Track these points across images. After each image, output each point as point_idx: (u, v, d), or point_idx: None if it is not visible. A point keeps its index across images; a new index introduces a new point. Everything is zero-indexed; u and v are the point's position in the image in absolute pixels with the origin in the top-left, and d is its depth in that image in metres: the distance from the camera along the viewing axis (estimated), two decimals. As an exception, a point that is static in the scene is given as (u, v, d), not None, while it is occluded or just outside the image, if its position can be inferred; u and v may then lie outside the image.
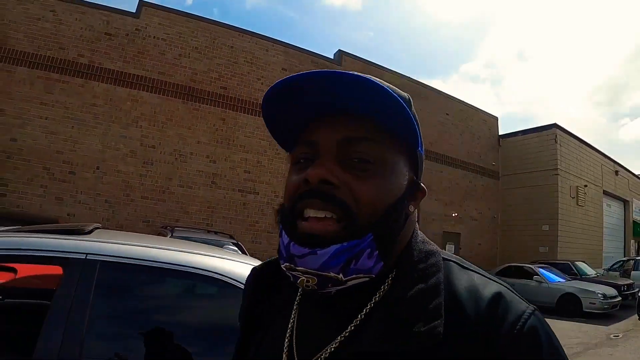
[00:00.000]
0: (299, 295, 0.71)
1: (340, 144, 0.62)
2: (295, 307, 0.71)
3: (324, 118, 0.64)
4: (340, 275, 0.59)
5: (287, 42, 12.84)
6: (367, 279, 0.60)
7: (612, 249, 21.23)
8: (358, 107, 0.61)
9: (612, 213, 21.64)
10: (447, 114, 16.83)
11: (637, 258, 17.83)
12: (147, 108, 11.16)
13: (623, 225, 22.95)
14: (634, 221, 23.41)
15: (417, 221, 0.70)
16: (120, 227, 10.18)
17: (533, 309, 0.59)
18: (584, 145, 19.27)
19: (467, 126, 17.57)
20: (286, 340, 0.67)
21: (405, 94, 0.68)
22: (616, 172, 21.77)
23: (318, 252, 0.58)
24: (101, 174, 10.55)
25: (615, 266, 17.72)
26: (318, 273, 0.59)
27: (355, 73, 0.58)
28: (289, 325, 0.69)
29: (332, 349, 0.60)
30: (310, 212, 0.60)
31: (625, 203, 23.16)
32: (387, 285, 0.62)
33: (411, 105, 0.67)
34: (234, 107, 12.08)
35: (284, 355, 0.65)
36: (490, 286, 0.60)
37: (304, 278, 0.60)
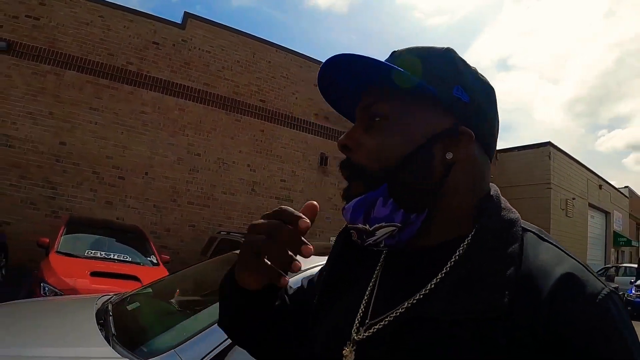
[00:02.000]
0: (384, 255, 0.75)
1: (362, 110, 0.69)
2: (379, 266, 0.74)
3: (362, 96, 0.71)
4: (367, 226, 0.64)
5: (318, 60, 13.47)
6: (392, 227, 0.63)
7: (595, 257, 23.25)
8: (374, 77, 0.67)
9: (595, 224, 23.59)
10: None
11: (620, 265, 20.84)
12: (193, 117, 11.40)
13: (604, 235, 25.05)
14: (614, 232, 25.63)
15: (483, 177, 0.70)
16: (167, 231, 10.41)
17: (610, 290, 0.56)
18: (572, 161, 21.06)
19: None
20: (365, 298, 0.70)
21: (442, 47, 0.70)
22: (600, 186, 23.77)
23: (346, 206, 0.66)
24: (150, 179, 10.68)
25: (600, 272, 19.66)
26: (353, 226, 0.66)
27: (356, 54, 0.64)
28: (372, 282, 0.72)
29: (401, 311, 0.61)
30: (344, 177, 0.69)
31: (607, 215, 25.23)
32: (461, 251, 0.62)
33: (444, 54, 0.69)
34: (272, 120, 12.52)
35: (360, 310, 0.69)
36: (565, 262, 0.57)
37: (352, 232, 0.68)
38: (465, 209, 0.65)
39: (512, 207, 0.68)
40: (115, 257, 6.72)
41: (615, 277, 18.15)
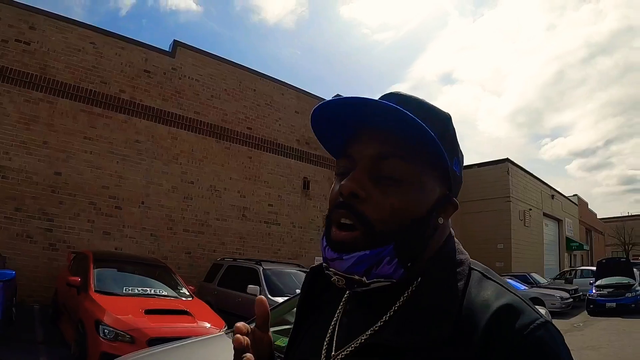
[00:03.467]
0: (347, 294, 0.79)
1: (373, 159, 0.67)
2: (342, 302, 0.78)
3: (362, 133, 0.70)
4: (364, 279, 0.66)
5: (298, 87, 14.00)
6: (388, 282, 0.66)
7: (551, 262, 25.28)
8: (389, 126, 0.66)
9: (549, 231, 25.61)
10: None
11: (577, 268, 22.85)
12: (185, 146, 11.59)
13: (558, 241, 27.19)
14: (566, 237, 27.85)
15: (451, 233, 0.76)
16: (164, 259, 10.50)
17: (544, 321, 0.59)
18: (528, 175, 22.98)
19: None
20: (329, 330, 0.75)
21: (446, 112, 0.74)
22: (552, 196, 25.85)
23: (344, 257, 0.65)
24: (146, 208, 10.75)
25: (558, 275, 21.98)
26: (345, 275, 0.66)
27: (380, 100, 0.65)
28: (334, 318, 0.77)
29: (362, 341, 0.66)
30: (339, 219, 0.67)
31: (559, 222, 27.42)
32: (413, 288, 0.67)
33: (449, 123, 0.73)
34: (258, 147, 12.93)
35: (325, 343, 0.73)
36: (503, 297, 0.61)
37: (335, 278, 0.68)
38: (428, 257, 0.69)
39: (463, 250, 0.73)
40: (153, 293, 6.90)
41: (574, 280, 20.34)
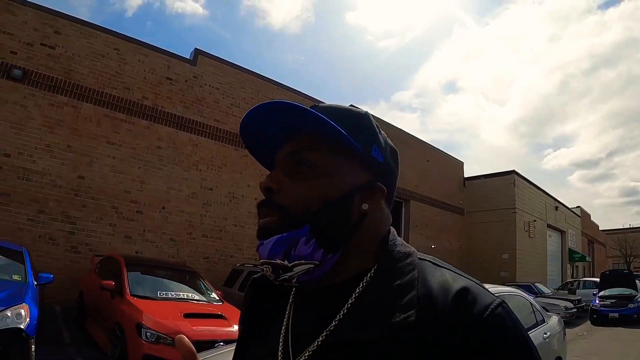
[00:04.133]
0: (292, 296, 0.78)
1: (286, 156, 0.72)
2: (289, 308, 0.77)
3: (285, 142, 0.74)
4: (285, 262, 0.67)
5: (313, 97, 14.17)
6: (311, 265, 0.67)
7: (553, 273, 25.51)
8: (302, 125, 0.70)
9: (552, 242, 25.87)
10: (428, 161, 19.25)
11: (581, 279, 23.48)
12: (205, 153, 11.76)
13: (560, 252, 27.42)
14: (569, 249, 28.11)
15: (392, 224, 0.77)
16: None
17: (500, 301, 0.63)
18: (533, 187, 23.29)
19: (441, 170, 20.01)
20: (281, 337, 0.73)
21: (363, 110, 0.78)
22: (556, 208, 26.12)
23: (264, 242, 0.68)
24: (166, 213, 10.87)
25: (561, 286, 22.35)
26: (269, 261, 0.68)
27: (284, 101, 0.67)
28: (284, 324, 0.75)
29: (320, 341, 0.65)
30: (262, 216, 0.71)
31: (562, 233, 27.67)
32: (366, 282, 0.67)
33: (364, 117, 0.76)
34: (274, 155, 13.11)
35: (280, 351, 0.71)
36: (459, 280, 0.65)
37: (264, 268, 0.70)
38: (370, 249, 0.71)
39: (407, 244, 0.75)
40: (186, 297, 7.01)
41: (577, 290, 20.68)
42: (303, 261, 0.67)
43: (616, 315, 15.64)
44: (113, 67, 10.72)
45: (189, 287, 7.48)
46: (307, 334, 0.68)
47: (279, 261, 0.67)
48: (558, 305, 15.20)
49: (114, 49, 10.81)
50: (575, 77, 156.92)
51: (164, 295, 6.80)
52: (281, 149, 0.74)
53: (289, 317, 0.76)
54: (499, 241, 20.43)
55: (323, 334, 0.66)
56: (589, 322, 16.20)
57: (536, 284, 18.45)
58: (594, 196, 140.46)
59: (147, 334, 5.59)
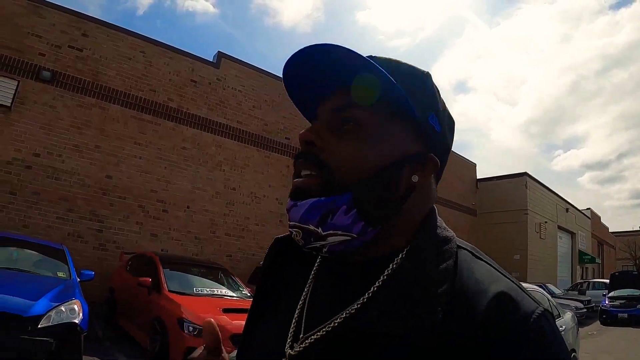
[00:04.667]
0: (316, 266, 0.73)
1: (333, 111, 0.65)
2: (311, 278, 0.72)
3: (329, 95, 0.67)
4: (320, 230, 0.61)
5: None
6: (347, 237, 0.61)
7: (563, 274, 25.66)
8: (350, 78, 0.63)
9: (563, 244, 25.99)
10: None
11: (590, 280, 24.10)
12: (228, 153, 11.99)
13: (570, 254, 27.55)
14: (579, 250, 28.25)
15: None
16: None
17: (543, 309, 0.56)
18: (544, 189, 23.47)
19: (455, 171, 20.13)
20: (297, 310, 0.68)
21: (424, 70, 0.69)
22: (567, 210, 26.27)
23: (298, 204, 0.62)
24: (191, 212, 11.09)
25: (571, 287, 22.70)
26: (300, 225, 0.62)
27: (340, 45, 0.59)
28: (303, 296, 0.70)
29: (335, 324, 0.60)
30: (300, 171, 0.64)
31: (573, 235, 27.80)
32: (396, 264, 0.61)
33: (425, 79, 0.68)
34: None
35: (292, 326, 0.66)
36: (499, 282, 0.58)
37: (294, 232, 0.64)
38: (410, 227, 0.65)
39: (447, 227, 0.69)
40: (220, 293, 7.19)
41: (587, 291, 21.09)
42: (340, 232, 0.61)
43: (625, 315, 16.14)
44: (139, 69, 10.94)
45: (222, 283, 7.67)
46: (325, 312, 0.63)
47: (312, 227, 0.61)
48: (569, 305, 15.47)
49: (140, 52, 11.03)
50: (586, 77, 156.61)
51: (200, 292, 6.99)
52: (326, 101, 0.67)
53: (309, 289, 0.71)
54: (511, 242, 20.62)
55: (342, 316, 0.60)
56: (598, 322, 16.65)
57: (547, 285, 18.62)
58: (604, 198, 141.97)
59: (190, 327, 5.79)
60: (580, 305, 16.03)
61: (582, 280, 25.64)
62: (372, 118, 0.63)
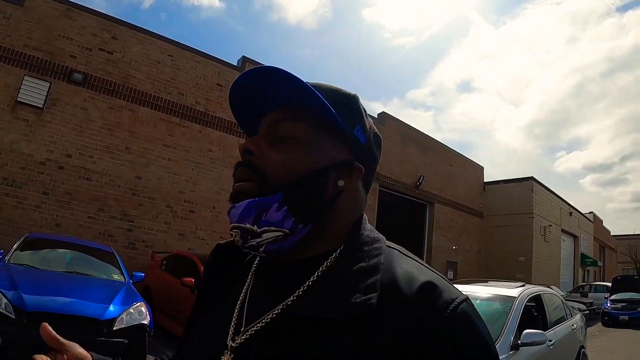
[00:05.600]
0: (254, 266, 0.77)
1: (271, 124, 0.71)
2: (250, 276, 0.76)
3: (270, 112, 0.73)
4: (255, 227, 0.66)
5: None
6: (280, 232, 0.66)
7: (566, 276, 26.16)
8: (285, 97, 0.70)
9: (566, 247, 26.39)
10: (451, 165, 19.83)
11: (592, 283, 24.56)
12: (251, 156, 12.24)
13: (573, 256, 28.02)
14: (581, 253, 28.74)
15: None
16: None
17: (465, 297, 0.63)
18: (550, 193, 23.88)
19: (463, 174, 20.53)
20: (237, 306, 0.72)
21: (352, 93, 0.75)
22: (570, 213, 26.67)
23: (236, 205, 0.67)
24: (217, 213, 11.38)
25: (574, 289, 23.34)
26: (239, 225, 0.67)
27: (276, 67, 0.66)
28: (242, 293, 0.74)
29: (275, 314, 0.64)
30: (239, 178, 0.70)
31: (575, 238, 28.23)
32: (331, 261, 0.67)
33: (352, 99, 0.74)
34: (314, 158, 13.67)
35: (233, 321, 0.70)
36: (426, 273, 0.64)
37: (233, 233, 0.68)
38: (340, 229, 0.71)
39: (376, 230, 0.74)
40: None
41: (589, 294, 21.71)
42: (273, 227, 0.66)
43: (626, 317, 16.74)
44: (168, 73, 11.18)
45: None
46: (264, 305, 0.67)
47: (248, 225, 0.66)
48: (572, 307, 15.91)
49: (169, 56, 11.27)
50: (592, 80, 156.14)
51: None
52: (265, 117, 0.74)
53: (248, 287, 0.75)
54: (516, 244, 20.99)
55: (279, 307, 0.65)
56: (600, 323, 17.17)
57: (551, 286, 19.10)
58: (606, 200, 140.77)
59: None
60: (583, 307, 16.42)
61: (584, 283, 26.15)
62: (303, 130, 0.70)
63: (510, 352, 4.09)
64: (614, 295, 18.27)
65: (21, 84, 9.35)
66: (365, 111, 0.76)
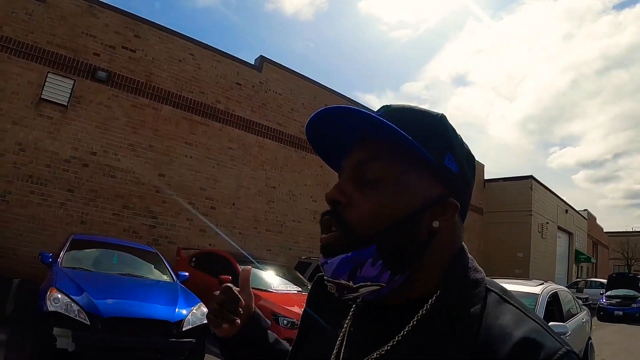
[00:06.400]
0: (353, 309, 0.76)
1: (355, 165, 0.69)
2: (350, 315, 0.76)
3: (352, 146, 0.71)
4: (350, 283, 0.65)
5: (363, 104, 15.07)
6: (377, 287, 0.64)
7: (561, 272, 26.61)
8: (370, 133, 0.68)
9: (561, 243, 26.88)
10: None
11: (588, 279, 25.54)
12: (269, 154, 12.60)
13: (568, 253, 28.55)
14: (576, 250, 29.32)
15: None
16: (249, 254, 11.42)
17: (567, 349, 0.56)
18: (547, 191, 24.36)
19: None
20: (336, 345, 0.73)
21: (437, 112, 0.72)
22: (566, 211, 27.12)
23: (329, 261, 0.66)
24: (236, 209, 11.69)
25: (569, 285, 23.50)
26: (333, 281, 0.66)
27: (352, 107, 0.64)
28: (342, 332, 0.74)
29: (372, 359, 0.65)
30: (325, 228, 0.68)
31: (570, 235, 28.74)
32: (426, 309, 0.64)
33: (438, 121, 0.71)
34: (329, 157, 14.04)
35: (334, 354, 0.71)
36: (524, 325, 0.59)
37: (329, 285, 0.68)
38: (438, 268, 0.67)
39: (478, 267, 0.71)
40: (292, 289, 7.74)
41: (584, 289, 22.76)
42: (369, 283, 0.65)
43: (621, 313, 17.61)
44: (189, 71, 11.37)
45: (292, 280, 8.20)
46: (362, 348, 0.67)
47: (343, 282, 0.65)
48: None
49: (190, 54, 11.46)
50: (587, 76, 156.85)
51: (277, 288, 7.51)
52: (349, 155, 0.72)
53: (347, 326, 0.75)
54: (515, 241, 21.43)
55: (374, 354, 0.65)
56: (595, 318, 17.77)
57: (549, 282, 19.67)
58: (598, 197, 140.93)
59: (284, 321, 6.36)
60: (579, 302, 17.12)
61: (579, 279, 26.97)
62: (389, 170, 0.67)
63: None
64: (610, 292, 19.08)
65: (45, 81, 9.43)
66: (454, 131, 0.72)
